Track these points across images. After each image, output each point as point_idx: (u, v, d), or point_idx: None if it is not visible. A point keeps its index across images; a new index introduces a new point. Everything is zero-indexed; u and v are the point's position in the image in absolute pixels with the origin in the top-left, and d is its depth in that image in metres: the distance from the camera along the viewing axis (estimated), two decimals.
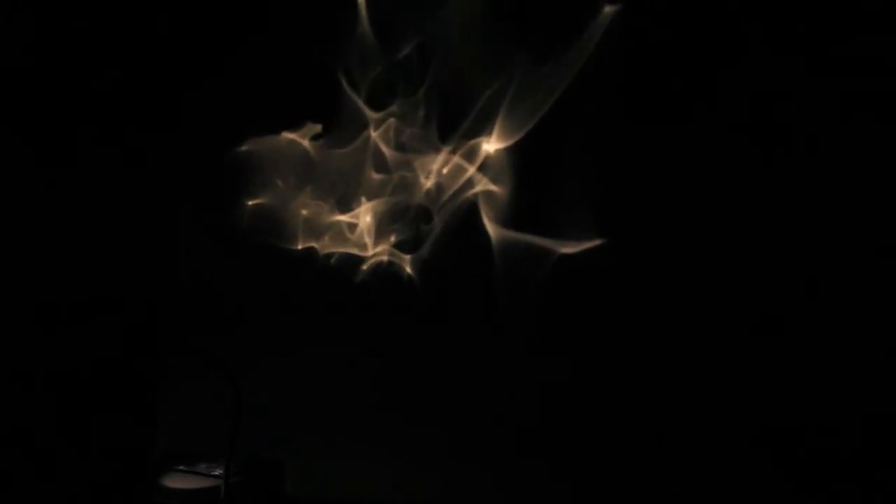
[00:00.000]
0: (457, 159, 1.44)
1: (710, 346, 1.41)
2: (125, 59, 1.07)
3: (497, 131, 1.42)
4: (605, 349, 1.45)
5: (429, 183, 1.45)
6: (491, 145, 1.42)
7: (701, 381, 1.42)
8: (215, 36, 1.47)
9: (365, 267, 1.47)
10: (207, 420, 1.40)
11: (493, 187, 1.43)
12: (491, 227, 1.43)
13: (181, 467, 1.35)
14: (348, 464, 1.51)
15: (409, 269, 1.46)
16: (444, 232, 1.45)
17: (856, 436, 1.37)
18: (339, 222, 1.48)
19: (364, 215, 1.47)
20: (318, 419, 1.51)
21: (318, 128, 1.46)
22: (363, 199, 1.46)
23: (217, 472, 1.32)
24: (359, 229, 1.47)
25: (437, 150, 1.44)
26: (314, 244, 1.48)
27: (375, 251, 1.47)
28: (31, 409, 0.98)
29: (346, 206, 1.48)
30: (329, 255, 1.48)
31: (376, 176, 1.46)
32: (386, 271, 1.47)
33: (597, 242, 1.39)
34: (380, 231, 1.47)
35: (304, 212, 1.47)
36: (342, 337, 1.51)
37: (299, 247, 1.47)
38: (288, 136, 1.46)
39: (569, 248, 1.40)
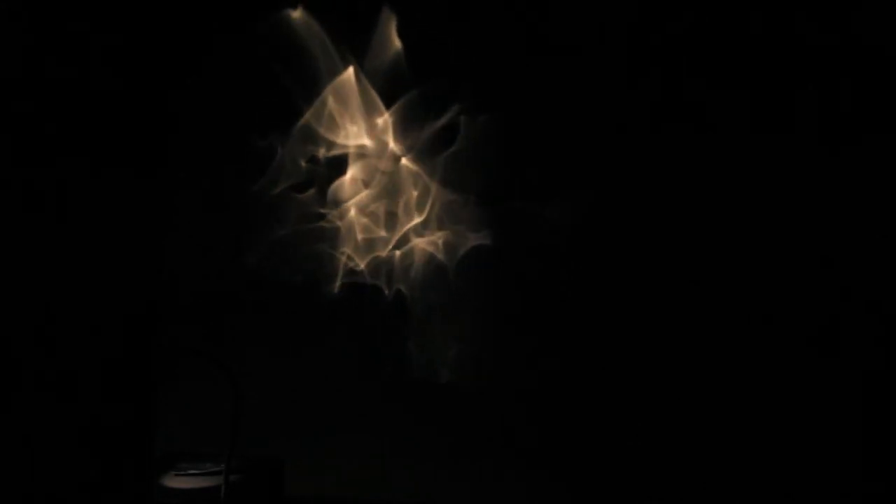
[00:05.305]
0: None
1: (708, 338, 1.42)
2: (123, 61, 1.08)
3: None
4: (603, 345, 1.45)
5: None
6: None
7: (701, 380, 1.42)
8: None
9: (363, 268, 1.47)
10: (207, 420, 1.40)
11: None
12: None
13: (181, 467, 1.35)
14: (348, 463, 1.51)
15: (407, 269, 1.46)
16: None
17: (854, 435, 1.38)
18: (327, 224, 1.49)
19: (346, 216, 1.47)
20: (318, 419, 1.51)
21: None
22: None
23: (217, 472, 1.32)
24: (347, 230, 1.48)
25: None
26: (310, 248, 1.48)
27: (372, 252, 1.48)
28: (31, 409, 0.98)
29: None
30: (327, 257, 1.48)
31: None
32: (384, 272, 1.48)
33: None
34: (367, 231, 1.47)
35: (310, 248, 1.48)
36: (342, 337, 1.51)
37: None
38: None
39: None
